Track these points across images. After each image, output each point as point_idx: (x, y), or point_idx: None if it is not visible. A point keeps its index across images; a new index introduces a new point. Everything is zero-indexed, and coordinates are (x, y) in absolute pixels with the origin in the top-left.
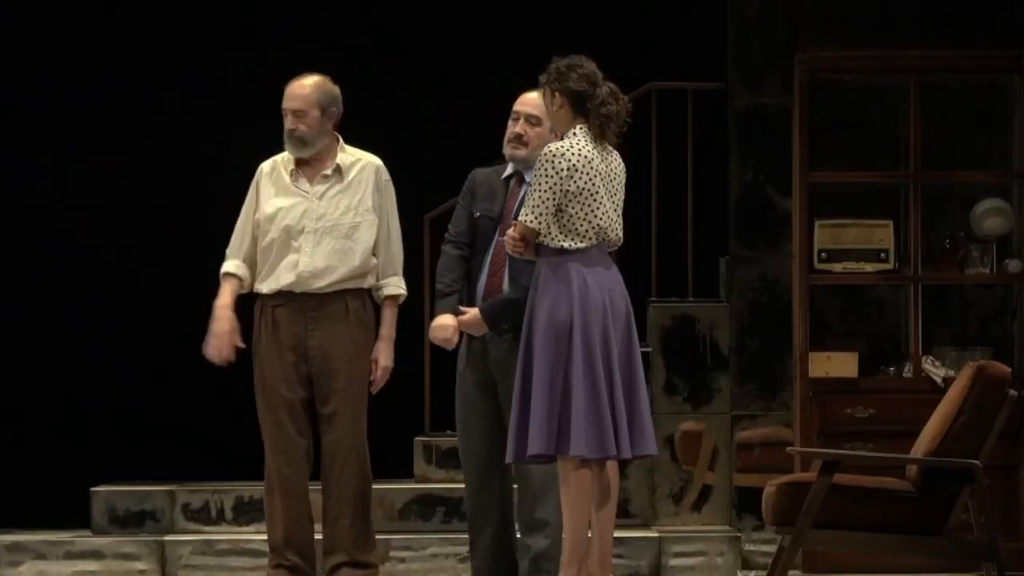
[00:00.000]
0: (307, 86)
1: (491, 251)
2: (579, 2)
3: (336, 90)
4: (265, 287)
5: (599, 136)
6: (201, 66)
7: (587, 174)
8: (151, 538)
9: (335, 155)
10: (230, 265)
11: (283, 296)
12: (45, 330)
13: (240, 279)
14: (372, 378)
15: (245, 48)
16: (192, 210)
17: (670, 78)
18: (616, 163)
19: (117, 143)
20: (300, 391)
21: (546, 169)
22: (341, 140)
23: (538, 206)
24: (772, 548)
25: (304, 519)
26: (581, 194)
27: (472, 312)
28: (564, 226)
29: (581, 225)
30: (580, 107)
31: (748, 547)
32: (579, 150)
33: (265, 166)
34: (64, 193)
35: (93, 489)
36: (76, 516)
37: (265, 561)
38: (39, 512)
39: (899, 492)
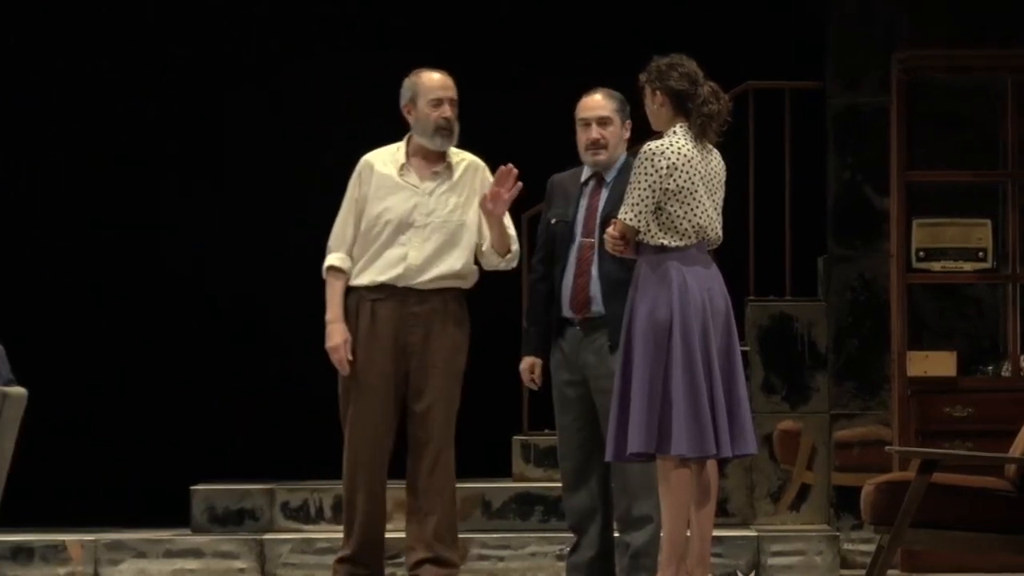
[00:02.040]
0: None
1: (573, 253)
2: (678, 1)
3: None
4: (365, 280)
5: (700, 135)
6: (278, 71)
7: (686, 172)
8: (250, 536)
9: (446, 152)
10: (335, 259)
11: (384, 290)
12: (147, 331)
13: (346, 274)
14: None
15: (333, 49)
16: (283, 216)
17: (768, 77)
18: (716, 162)
19: (203, 156)
20: (394, 387)
21: (645, 167)
22: None
23: (637, 204)
24: (871, 547)
25: (381, 516)
26: (680, 192)
27: None
28: (663, 224)
29: (681, 223)
30: (681, 106)
31: (847, 546)
32: (679, 148)
33: (372, 159)
34: (159, 206)
35: (193, 488)
36: (176, 515)
37: None
38: (139, 511)
39: (998, 491)
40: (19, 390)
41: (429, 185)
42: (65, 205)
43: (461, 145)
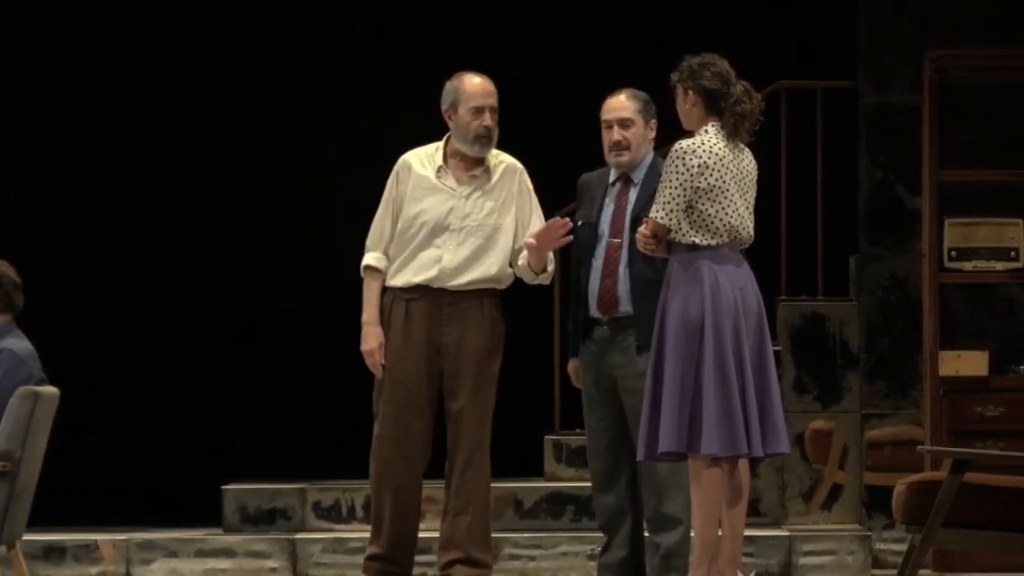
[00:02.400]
0: (492, 82)
1: (601, 256)
2: (709, 1)
3: None
4: (400, 280)
5: (732, 134)
6: (310, 66)
7: (718, 171)
8: (282, 536)
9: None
10: (372, 258)
11: (418, 291)
12: (176, 330)
13: (383, 273)
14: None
15: (365, 48)
16: (313, 216)
17: (799, 77)
18: (748, 161)
19: (231, 156)
20: (428, 387)
21: (676, 166)
22: None
23: (668, 202)
24: (902, 547)
25: (413, 515)
26: (712, 191)
27: None
28: (695, 223)
29: (712, 222)
30: (713, 105)
31: (878, 546)
32: (710, 147)
33: (411, 160)
34: (186, 200)
35: (224, 487)
36: (208, 514)
37: None
38: (171, 510)
39: None
40: (51, 390)
41: (466, 188)
42: (83, 204)
43: (510, 145)
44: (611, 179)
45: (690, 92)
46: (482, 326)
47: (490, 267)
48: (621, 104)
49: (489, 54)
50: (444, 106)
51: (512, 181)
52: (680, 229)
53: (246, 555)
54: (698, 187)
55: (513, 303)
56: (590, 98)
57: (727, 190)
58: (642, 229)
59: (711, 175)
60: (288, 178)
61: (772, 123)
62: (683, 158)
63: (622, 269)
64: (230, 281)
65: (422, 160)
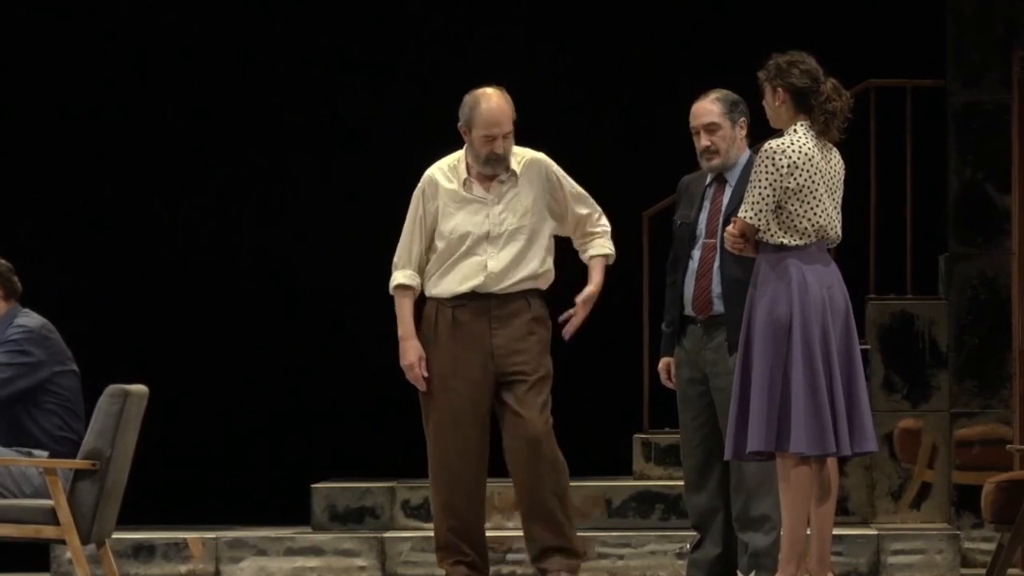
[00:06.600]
0: (508, 103)
1: (696, 256)
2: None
3: None
4: (443, 290)
5: (822, 132)
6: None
7: (807, 171)
8: (371, 534)
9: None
10: (403, 276)
11: (464, 298)
12: (265, 328)
13: (414, 290)
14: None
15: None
16: (388, 214)
17: (888, 75)
18: (836, 160)
19: (311, 161)
20: (482, 390)
21: (766, 166)
22: None
23: (757, 202)
24: (991, 546)
25: (480, 516)
26: (801, 191)
27: None
28: (783, 223)
29: (800, 222)
30: (803, 103)
31: (967, 545)
32: (800, 147)
33: (436, 175)
34: (276, 201)
35: (314, 486)
36: (297, 513)
37: None
38: (260, 509)
39: None
40: (141, 388)
41: (496, 195)
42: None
43: (602, 144)
44: (707, 180)
45: (779, 90)
46: (531, 324)
47: (534, 266)
48: (706, 109)
49: (706, 50)
50: (460, 121)
51: (540, 174)
52: (768, 229)
53: (335, 553)
54: (787, 187)
55: (602, 302)
56: (678, 99)
57: (816, 190)
58: (730, 228)
59: (800, 175)
60: (378, 175)
61: (861, 121)
62: (772, 158)
63: (716, 269)
64: (321, 280)
65: (447, 174)
